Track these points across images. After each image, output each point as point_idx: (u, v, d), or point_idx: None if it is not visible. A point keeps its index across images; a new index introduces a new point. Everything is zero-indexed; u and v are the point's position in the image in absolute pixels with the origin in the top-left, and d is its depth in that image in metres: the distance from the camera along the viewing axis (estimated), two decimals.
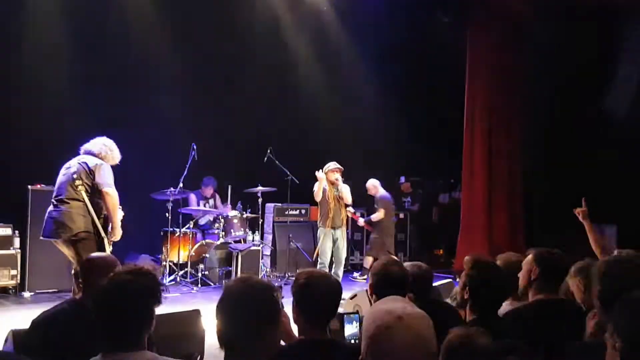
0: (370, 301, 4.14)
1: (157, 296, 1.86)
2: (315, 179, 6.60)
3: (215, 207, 7.89)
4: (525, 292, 2.68)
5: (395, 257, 5.43)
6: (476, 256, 2.56)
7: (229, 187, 7.75)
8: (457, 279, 5.97)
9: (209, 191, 7.87)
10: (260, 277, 5.98)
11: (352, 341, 2.45)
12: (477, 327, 2.15)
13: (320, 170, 6.58)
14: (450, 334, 1.62)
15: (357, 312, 2.44)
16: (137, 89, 7.52)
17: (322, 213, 6.62)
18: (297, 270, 7.76)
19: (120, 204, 4.60)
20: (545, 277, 2.63)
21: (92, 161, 4.53)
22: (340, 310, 4.26)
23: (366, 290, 4.37)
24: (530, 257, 2.74)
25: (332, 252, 6.49)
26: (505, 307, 2.61)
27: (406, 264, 2.73)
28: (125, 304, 1.76)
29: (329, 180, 6.56)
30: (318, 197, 6.56)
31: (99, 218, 4.46)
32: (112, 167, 4.67)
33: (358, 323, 2.45)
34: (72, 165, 4.55)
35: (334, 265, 6.53)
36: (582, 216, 3.82)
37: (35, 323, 2.36)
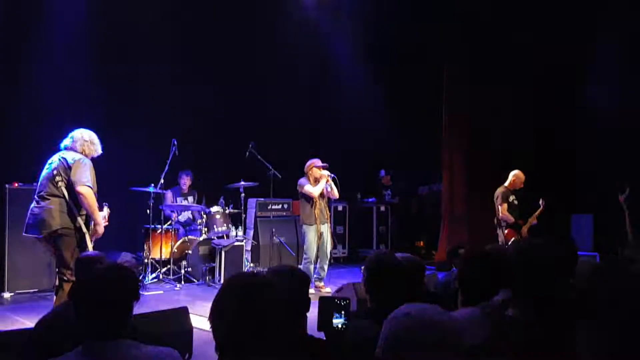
0: (356, 294, 4.20)
1: (134, 290, 1.96)
2: (299, 175, 6.61)
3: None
4: None
5: None
6: (468, 251, 2.53)
7: (199, 195, 7.73)
8: (440, 271, 6.05)
9: (186, 182, 7.77)
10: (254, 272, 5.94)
11: (339, 326, 2.42)
12: None
13: (323, 169, 6.50)
14: None
15: (348, 301, 2.38)
16: (117, 85, 7.42)
17: (306, 211, 6.53)
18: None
19: (101, 201, 4.56)
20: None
21: (71, 156, 4.43)
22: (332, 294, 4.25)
23: (353, 284, 4.44)
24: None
25: (318, 246, 6.52)
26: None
27: (397, 257, 2.71)
28: (102, 297, 1.86)
29: (315, 177, 6.54)
30: (315, 195, 6.45)
31: (80, 214, 4.40)
32: (94, 160, 4.58)
33: (346, 315, 2.43)
34: (53, 161, 4.48)
35: (319, 259, 6.55)
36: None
37: (35, 331, 2.39)
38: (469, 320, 1.86)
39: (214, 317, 1.63)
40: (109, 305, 1.87)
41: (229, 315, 1.61)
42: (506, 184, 7.19)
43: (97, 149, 4.65)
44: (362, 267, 2.53)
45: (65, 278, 4.21)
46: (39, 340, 2.25)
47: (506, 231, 7.02)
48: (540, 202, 7.16)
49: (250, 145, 7.38)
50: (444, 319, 1.39)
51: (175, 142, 6.88)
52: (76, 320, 1.87)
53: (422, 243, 10.34)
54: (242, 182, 7.37)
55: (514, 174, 7.19)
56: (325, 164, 6.60)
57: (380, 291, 2.34)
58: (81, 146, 4.54)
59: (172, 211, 7.59)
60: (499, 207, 7.04)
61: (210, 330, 1.63)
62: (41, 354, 1.84)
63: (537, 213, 7.12)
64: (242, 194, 7.46)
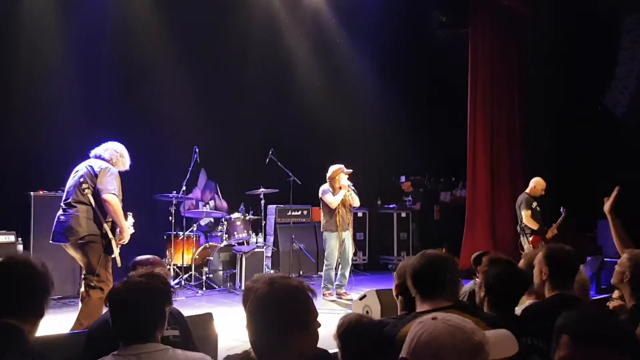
0: (380, 301, 4.15)
1: (167, 296, 2.04)
2: (319, 181, 6.57)
3: (215, 207, 7.93)
4: (542, 289, 2.69)
5: None
6: (492, 255, 2.54)
7: (217, 186, 7.74)
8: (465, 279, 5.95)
9: (208, 196, 7.91)
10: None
11: None
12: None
13: (344, 180, 6.43)
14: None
15: None
16: (139, 93, 7.51)
17: (328, 218, 6.47)
18: (300, 272, 7.50)
19: (125, 209, 4.59)
20: (555, 276, 2.63)
21: (97, 164, 4.49)
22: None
23: (376, 291, 4.38)
24: (540, 255, 2.73)
25: (339, 253, 6.46)
26: (527, 303, 2.59)
27: None
28: (137, 303, 1.93)
29: (337, 183, 6.49)
30: (334, 206, 6.39)
31: (106, 220, 4.45)
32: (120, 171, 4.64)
33: None
34: (80, 169, 4.54)
35: (340, 266, 6.50)
36: (607, 208, 3.56)
37: (88, 334, 2.47)
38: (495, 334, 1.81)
39: (258, 319, 1.59)
40: (142, 310, 1.93)
41: (281, 316, 1.57)
42: (527, 190, 7.14)
43: (125, 164, 4.70)
44: (395, 273, 2.48)
45: (92, 284, 4.25)
46: (96, 342, 2.31)
47: (531, 238, 6.90)
48: (562, 210, 7.01)
49: (270, 152, 7.39)
50: (472, 326, 1.37)
51: (197, 150, 6.93)
52: (112, 325, 1.93)
53: (444, 250, 10.20)
54: (262, 189, 7.39)
55: (535, 181, 7.13)
56: (350, 170, 6.55)
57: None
58: (111, 155, 4.59)
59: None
60: (522, 213, 6.95)
61: (248, 335, 1.59)
62: (97, 356, 1.91)
63: (558, 222, 6.96)
64: (262, 201, 7.47)
